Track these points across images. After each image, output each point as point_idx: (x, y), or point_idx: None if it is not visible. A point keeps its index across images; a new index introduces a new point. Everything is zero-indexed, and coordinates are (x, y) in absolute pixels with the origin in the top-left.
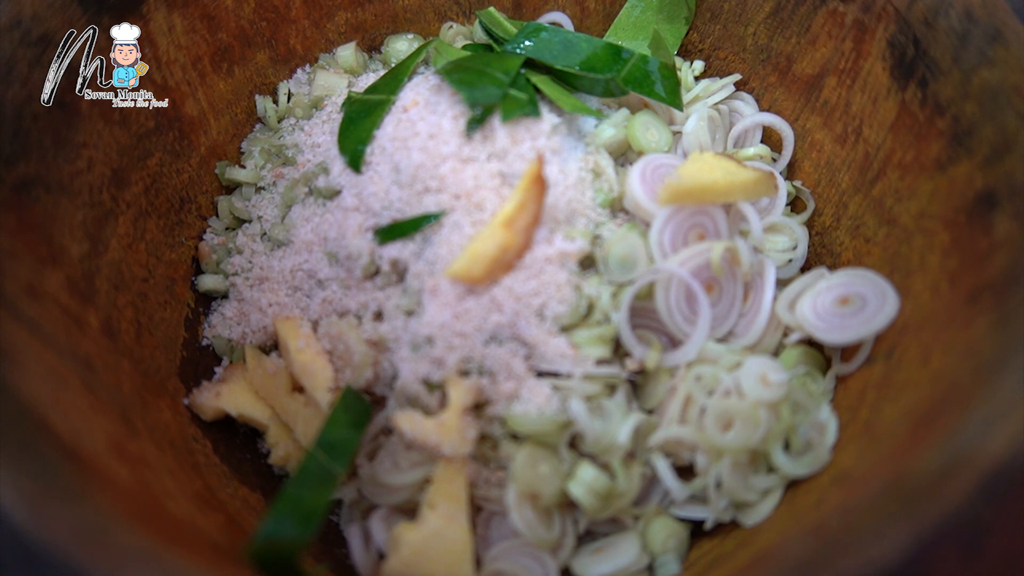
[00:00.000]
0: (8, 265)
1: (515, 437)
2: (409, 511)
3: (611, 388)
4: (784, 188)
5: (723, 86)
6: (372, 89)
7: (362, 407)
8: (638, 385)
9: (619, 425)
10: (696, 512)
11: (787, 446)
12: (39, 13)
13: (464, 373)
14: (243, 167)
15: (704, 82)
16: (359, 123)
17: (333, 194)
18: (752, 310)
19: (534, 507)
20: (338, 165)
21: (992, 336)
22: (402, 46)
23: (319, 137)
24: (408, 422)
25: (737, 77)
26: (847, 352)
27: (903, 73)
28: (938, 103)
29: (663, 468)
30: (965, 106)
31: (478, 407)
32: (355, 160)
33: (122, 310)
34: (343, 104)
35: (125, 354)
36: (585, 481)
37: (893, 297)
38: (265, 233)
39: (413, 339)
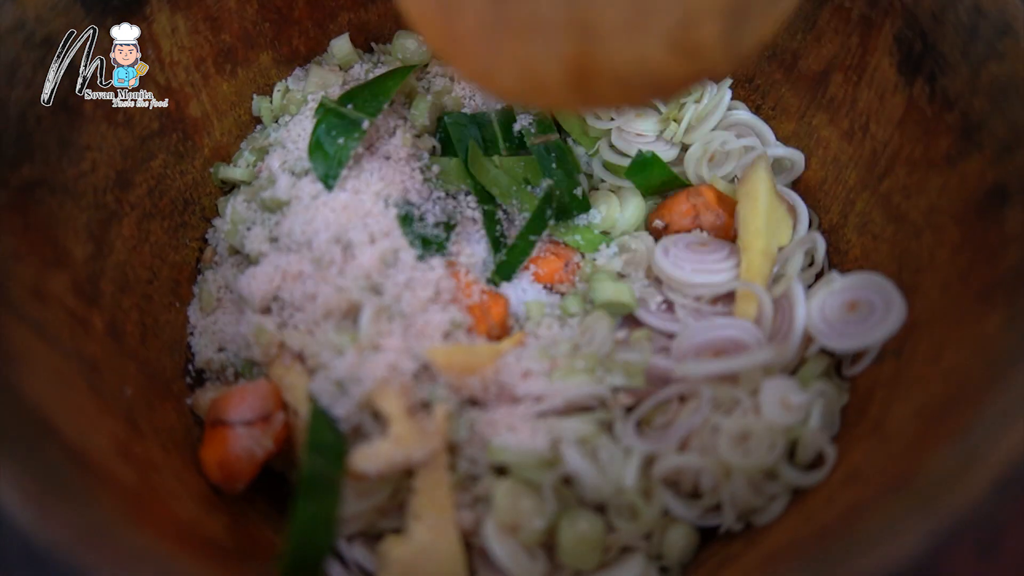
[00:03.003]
0: (13, 267)
1: (499, 472)
2: (374, 536)
3: (606, 426)
4: (805, 215)
5: (717, 104)
6: (349, 97)
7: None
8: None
9: (622, 467)
10: (707, 520)
11: (792, 455)
12: (42, 15)
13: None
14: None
15: (703, 101)
16: (333, 140)
17: (279, 206)
18: (782, 333)
19: (516, 539)
20: (285, 179)
21: (1005, 332)
22: (412, 44)
23: (296, 131)
24: (365, 459)
25: (727, 93)
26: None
27: (911, 68)
28: (947, 98)
29: (671, 500)
30: (974, 101)
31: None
32: (328, 178)
33: (127, 312)
34: (316, 110)
35: (130, 356)
36: (567, 547)
37: (899, 307)
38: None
39: (340, 377)
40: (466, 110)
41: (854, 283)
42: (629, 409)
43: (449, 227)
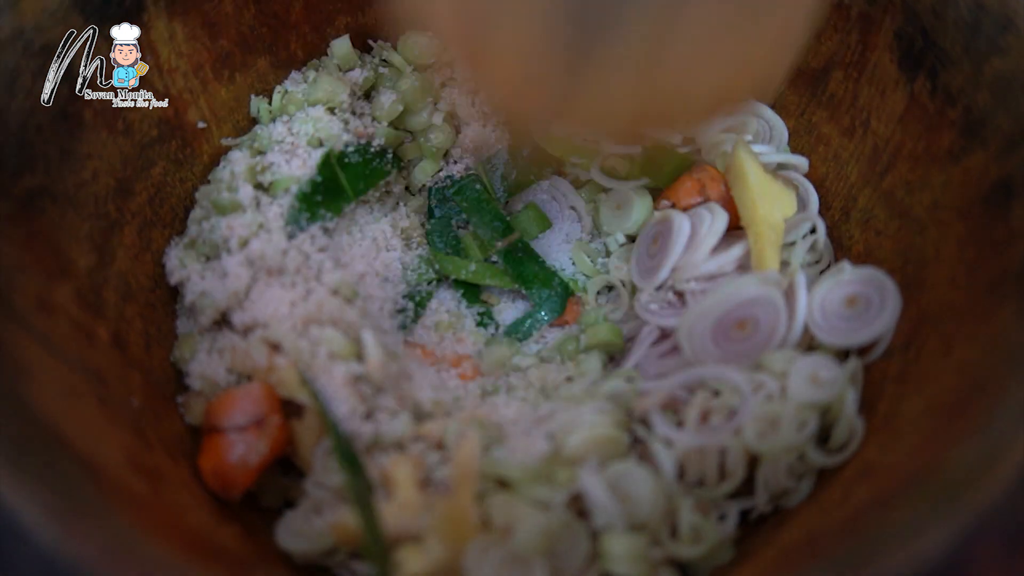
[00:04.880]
0: (18, 279)
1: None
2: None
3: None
4: (810, 189)
5: None
6: (349, 169)
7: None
8: None
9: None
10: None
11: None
12: (41, 23)
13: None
14: None
15: None
16: (316, 203)
17: (235, 207)
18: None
19: (507, 548)
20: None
21: (1017, 325)
22: (422, 41)
23: (298, 131)
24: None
25: None
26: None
27: (911, 64)
28: (949, 93)
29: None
30: (977, 96)
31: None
32: (290, 223)
33: (130, 321)
34: (320, 162)
35: (135, 366)
36: (621, 556)
37: (891, 306)
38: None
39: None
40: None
41: (857, 277)
42: (642, 421)
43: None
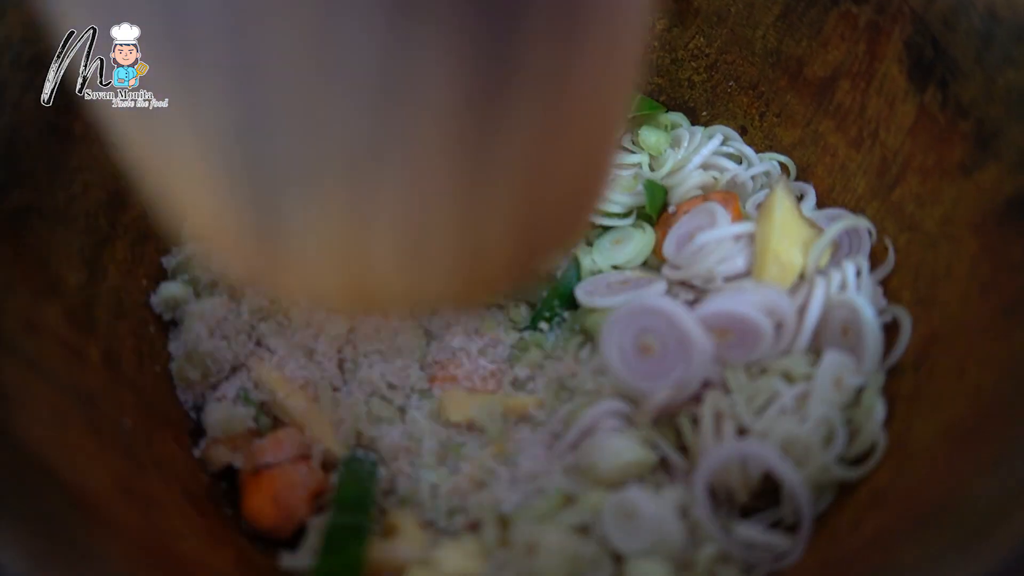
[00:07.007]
0: (5, 299)
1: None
2: None
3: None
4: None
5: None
6: None
7: (368, 462)
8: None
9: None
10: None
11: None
12: (28, 35)
13: None
14: None
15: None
16: None
17: None
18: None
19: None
20: None
21: None
22: None
23: None
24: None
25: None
26: None
27: (921, 75)
28: (960, 106)
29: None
30: (990, 109)
31: None
32: None
33: (123, 339)
34: None
35: (127, 385)
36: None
37: (872, 352)
38: None
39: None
40: None
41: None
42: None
43: None
